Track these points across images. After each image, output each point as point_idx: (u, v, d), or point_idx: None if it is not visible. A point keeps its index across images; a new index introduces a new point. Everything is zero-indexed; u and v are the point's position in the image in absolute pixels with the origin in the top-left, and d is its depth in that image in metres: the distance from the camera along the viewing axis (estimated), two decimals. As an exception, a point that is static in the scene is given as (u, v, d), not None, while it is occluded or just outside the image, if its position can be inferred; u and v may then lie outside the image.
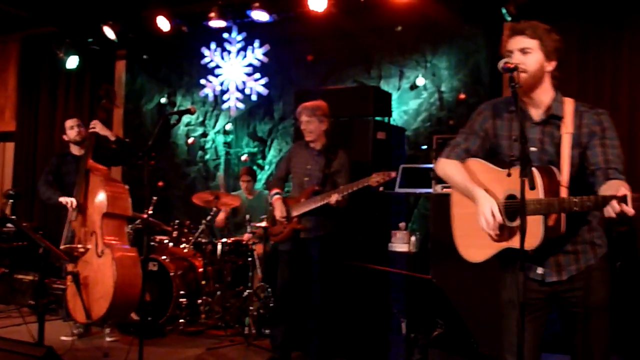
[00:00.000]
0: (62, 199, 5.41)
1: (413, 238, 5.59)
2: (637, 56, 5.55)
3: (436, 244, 5.21)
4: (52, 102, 9.11)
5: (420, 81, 6.68)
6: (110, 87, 5.96)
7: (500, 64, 2.60)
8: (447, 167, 2.93)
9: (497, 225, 2.67)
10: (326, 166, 5.06)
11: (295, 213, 5.06)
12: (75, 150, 5.88)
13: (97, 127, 5.56)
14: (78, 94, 8.95)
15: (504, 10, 5.80)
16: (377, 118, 5.94)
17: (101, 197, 5.28)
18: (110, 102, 5.77)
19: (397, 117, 6.71)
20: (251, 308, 5.98)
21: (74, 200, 5.32)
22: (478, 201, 2.74)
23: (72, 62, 8.46)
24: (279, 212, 5.12)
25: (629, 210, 2.28)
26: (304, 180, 5.13)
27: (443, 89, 6.60)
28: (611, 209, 2.33)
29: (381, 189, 4.81)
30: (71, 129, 5.87)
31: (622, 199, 2.29)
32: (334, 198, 4.81)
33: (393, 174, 4.70)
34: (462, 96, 6.44)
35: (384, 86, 6.78)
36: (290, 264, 5.14)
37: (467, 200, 2.85)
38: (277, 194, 5.24)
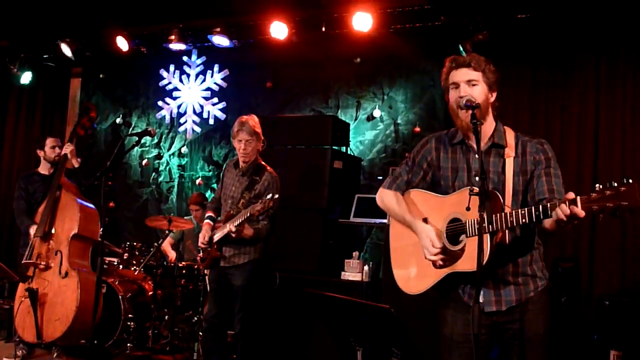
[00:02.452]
0: (30, 230, 5.31)
1: (366, 267, 5.63)
2: (585, 95, 5.78)
3: (389, 274, 5.25)
4: (1, 118, 8.92)
5: (377, 113, 6.79)
6: (92, 105, 5.93)
7: (463, 100, 2.68)
8: (386, 198, 3.00)
9: (438, 251, 2.69)
10: (247, 189, 4.69)
11: (215, 239, 4.73)
12: (44, 169, 5.80)
13: (68, 150, 5.55)
14: (30, 110, 8.80)
15: (460, 47, 5.96)
16: (335, 147, 6.01)
17: (73, 217, 5.18)
18: (90, 120, 5.71)
19: (353, 147, 6.79)
20: (200, 334, 5.89)
21: (35, 226, 5.25)
22: (417, 233, 2.79)
23: (26, 77, 8.32)
24: (201, 237, 4.78)
25: (579, 211, 2.24)
26: (228, 202, 4.78)
27: (399, 121, 6.72)
28: (561, 212, 2.29)
29: (270, 210, 4.37)
30: (52, 149, 5.77)
31: (572, 202, 2.26)
32: (227, 229, 4.51)
33: (271, 203, 4.26)
34: (417, 129, 6.56)
35: (342, 116, 6.86)
36: (216, 294, 4.81)
37: (405, 233, 2.89)
38: (209, 217, 4.91)
